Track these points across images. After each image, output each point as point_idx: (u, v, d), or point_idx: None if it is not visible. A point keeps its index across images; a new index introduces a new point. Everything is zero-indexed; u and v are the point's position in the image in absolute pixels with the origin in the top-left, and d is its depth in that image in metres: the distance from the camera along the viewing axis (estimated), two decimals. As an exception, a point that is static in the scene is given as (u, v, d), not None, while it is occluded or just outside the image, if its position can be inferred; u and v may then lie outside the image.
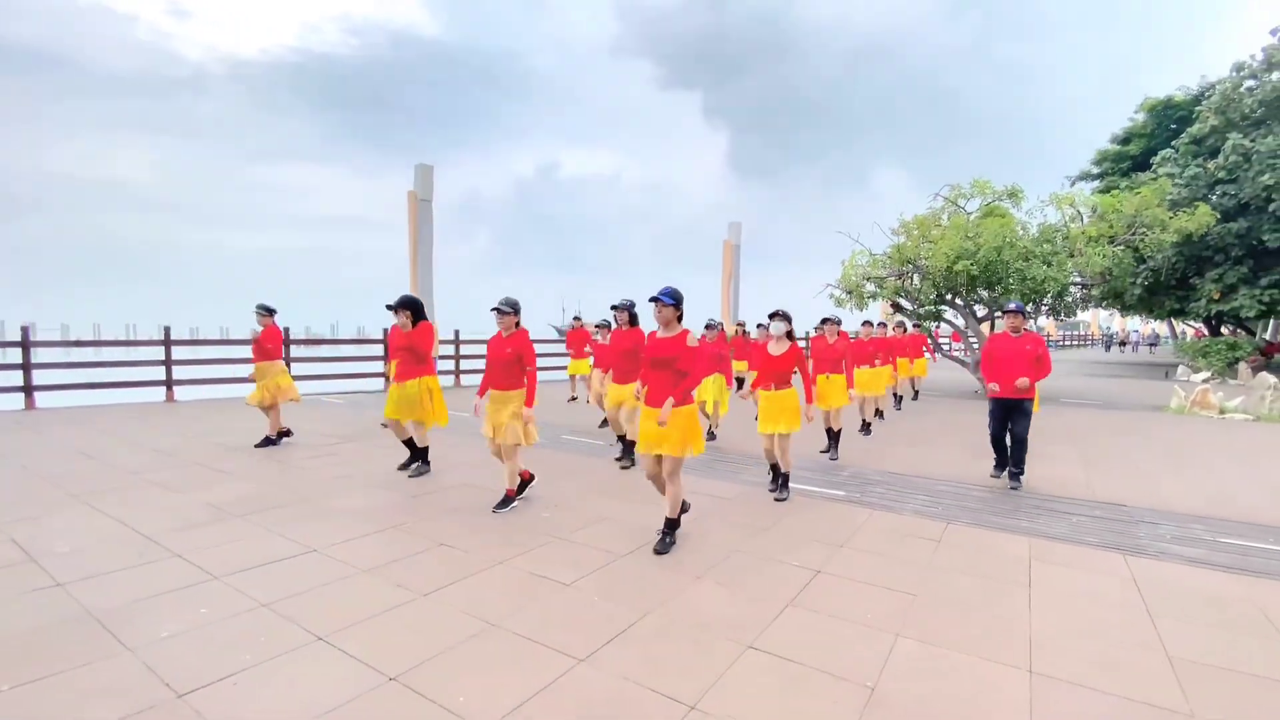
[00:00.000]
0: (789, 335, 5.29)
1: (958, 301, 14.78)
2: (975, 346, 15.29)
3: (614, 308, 6.11)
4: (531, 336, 5.12)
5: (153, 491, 5.16)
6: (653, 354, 4.03)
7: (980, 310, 15.24)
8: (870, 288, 15.25)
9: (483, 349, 14.74)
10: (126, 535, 4.11)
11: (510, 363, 4.78)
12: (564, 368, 12.34)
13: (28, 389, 9.57)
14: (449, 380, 13.78)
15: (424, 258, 12.82)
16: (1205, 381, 16.19)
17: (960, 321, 15.52)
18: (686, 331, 4.05)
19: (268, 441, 6.93)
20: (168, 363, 10.70)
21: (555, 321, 59.71)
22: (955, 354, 17.61)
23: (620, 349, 6.06)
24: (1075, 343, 50.31)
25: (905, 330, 13.11)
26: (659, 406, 3.91)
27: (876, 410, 9.69)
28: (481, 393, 4.87)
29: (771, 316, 5.32)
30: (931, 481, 6.08)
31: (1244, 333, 24.06)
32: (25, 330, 9.64)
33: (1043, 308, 14.55)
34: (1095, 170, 25.33)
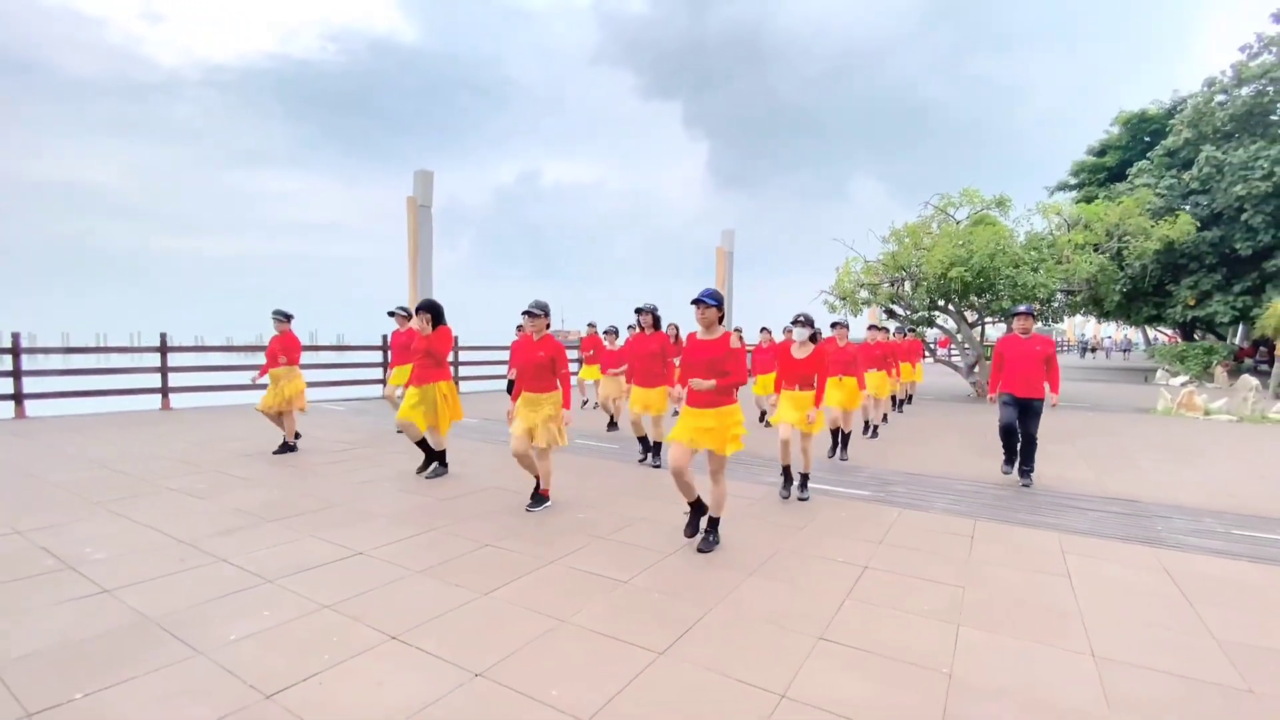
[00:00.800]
0: (812, 339, 5.42)
1: (950, 307, 15.09)
2: (968, 351, 15.61)
3: (638, 310, 6.16)
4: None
5: (175, 497, 5.06)
6: (695, 356, 4.04)
7: (971, 316, 15.58)
8: (864, 294, 15.51)
9: (474, 354, 14.54)
10: (162, 541, 4.04)
11: (543, 365, 4.79)
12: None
13: (18, 397, 9.30)
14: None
15: (424, 262, 12.76)
16: (1184, 385, 16.71)
17: (952, 326, 15.85)
18: (729, 334, 4.10)
19: (286, 448, 6.84)
20: (164, 369, 10.48)
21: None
22: (945, 359, 17.94)
23: (645, 351, 6.11)
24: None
25: (905, 336, 13.35)
26: (700, 407, 3.95)
27: (883, 415, 9.84)
28: (516, 396, 4.89)
29: (795, 322, 5.41)
30: (950, 481, 6.20)
31: (1213, 338, 24.85)
32: (15, 337, 9.39)
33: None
34: (1073, 181, 26.06)
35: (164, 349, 10.49)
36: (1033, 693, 2.49)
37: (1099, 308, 21.76)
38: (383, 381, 12.56)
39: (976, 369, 15.27)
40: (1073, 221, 15.09)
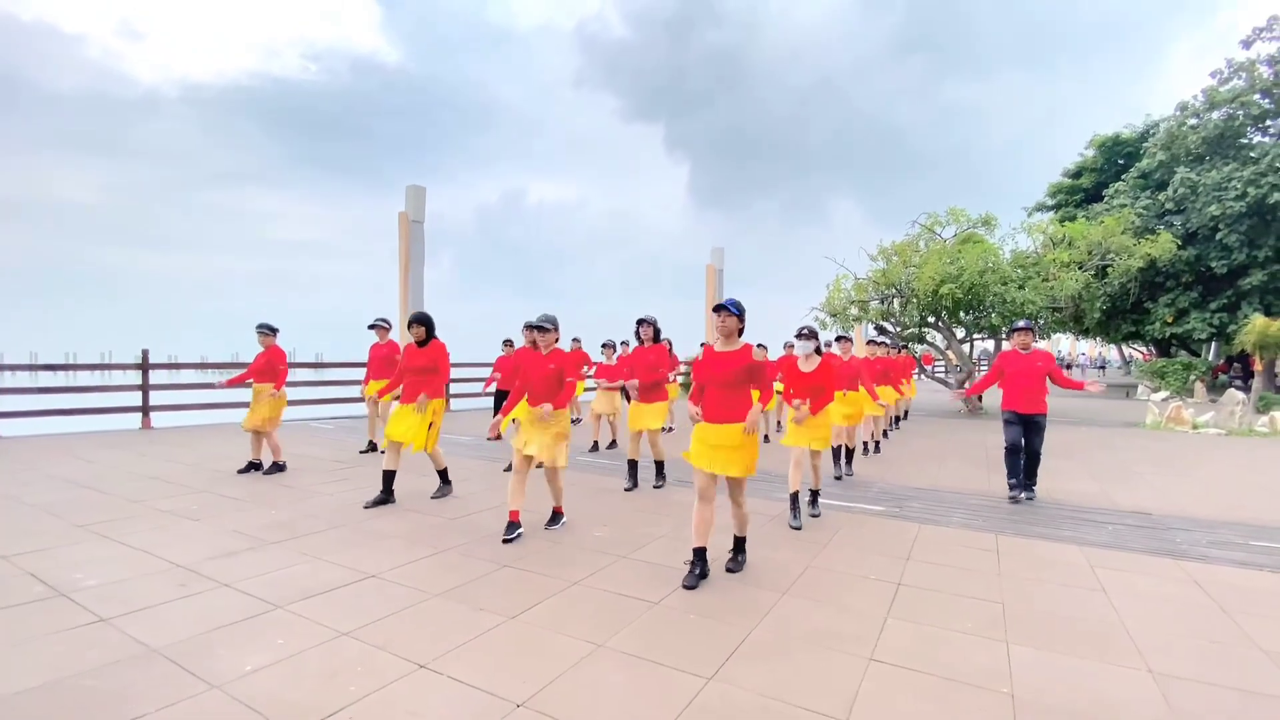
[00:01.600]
0: (818, 351, 5.30)
1: (940, 324, 15.24)
2: (957, 367, 15.75)
3: (639, 322, 6.05)
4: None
5: (167, 519, 4.81)
6: (715, 369, 3.82)
7: (959, 332, 15.75)
8: (855, 311, 15.61)
9: (466, 371, 14.28)
10: (158, 565, 3.80)
11: (552, 380, 4.64)
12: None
13: (-10, 416, 8.90)
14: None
15: (415, 278, 12.57)
16: (1165, 400, 17.00)
17: (942, 342, 15.99)
18: (750, 346, 3.96)
19: (275, 468, 6.58)
20: (145, 388, 10.12)
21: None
22: (939, 375, 18.09)
23: (645, 364, 5.99)
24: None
25: (898, 352, 13.42)
26: (718, 422, 3.73)
27: (884, 430, 9.82)
28: (506, 411, 4.72)
29: (798, 335, 5.29)
30: (961, 495, 6.15)
31: (1186, 353, 25.42)
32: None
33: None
34: (1050, 202, 26.68)
35: (145, 366, 10.14)
36: (1100, 712, 2.39)
37: (1079, 325, 22.18)
38: (361, 398, 12.24)
39: (967, 384, 15.39)
40: (1057, 240, 15.39)
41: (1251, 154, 19.36)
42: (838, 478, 6.94)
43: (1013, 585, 3.74)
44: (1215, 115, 19.75)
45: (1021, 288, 13.77)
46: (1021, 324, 6.22)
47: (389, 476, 5.43)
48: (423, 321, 5.51)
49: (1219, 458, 8.77)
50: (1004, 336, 14.31)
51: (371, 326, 8.02)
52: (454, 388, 13.88)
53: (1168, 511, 5.60)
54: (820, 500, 5.48)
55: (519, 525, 4.49)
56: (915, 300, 14.30)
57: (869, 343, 9.59)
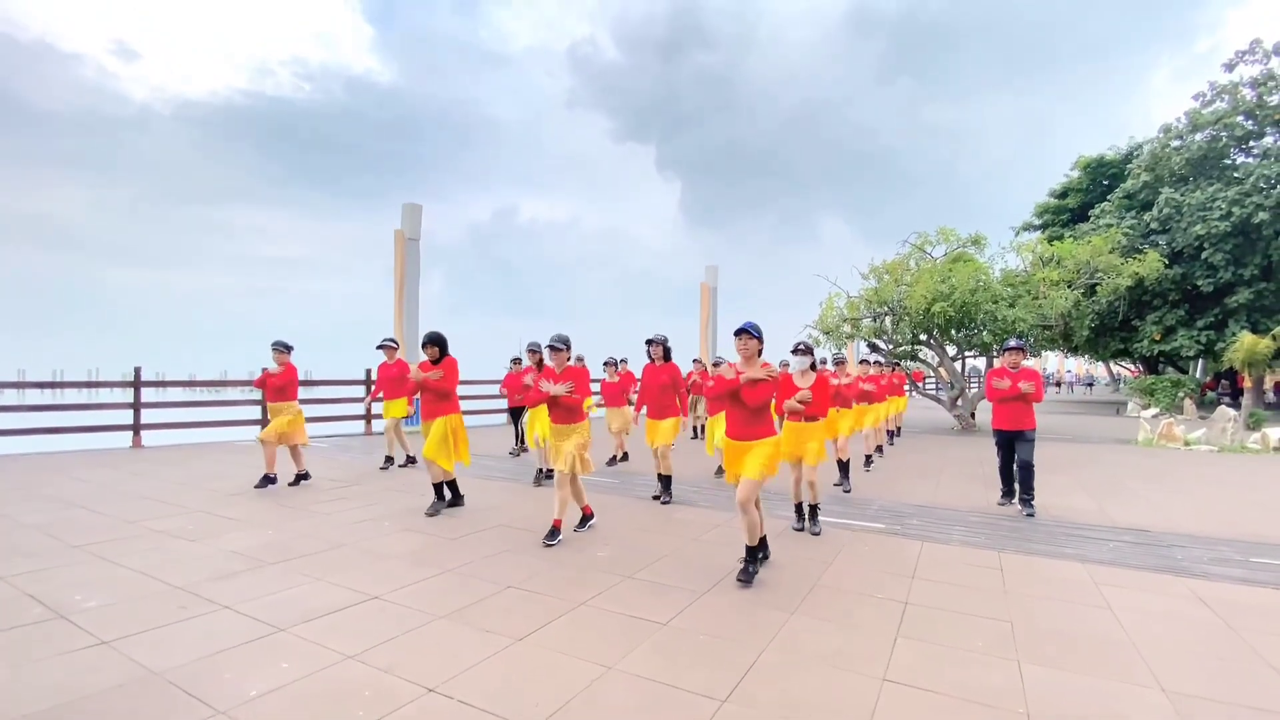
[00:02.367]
0: (812, 367, 5.34)
1: (932, 341, 15.36)
2: (950, 384, 15.84)
3: (649, 342, 6.08)
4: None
5: (163, 540, 4.74)
6: (735, 387, 3.96)
7: (951, 350, 15.86)
8: (847, 329, 15.71)
9: (471, 389, 14.24)
10: (157, 587, 3.74)
11: (571, 400, 4.80)
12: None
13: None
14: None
15: (410, 295, 12.56)
16: (1155, 417, 17.15)
17: (934, 359, 16.11)
18: (768, 365, 4.04)
19: (299, 478, 6.81)
20: (136, 406, 10.00)
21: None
22: (930, 391, 18.18)
23: (657, 383, 6.00)
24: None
25: (893, 369, 13.50)
26: (741, 440, 3.96)
27: (878, 446, 9.85)
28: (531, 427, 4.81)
29: (794, 351, 5.32)
30: (960, 512, 6.16)
31: (1174, 370, 25.72)
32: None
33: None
34: (1037, 222, 27.07)
35: (137, 384, 10.04)
36: (1116, 733, 2.39)
37: (1069, 342, 22.42)
38: (364, 417, 12.20)
39: (960, 401, 15.47)
40: (1046, 259, 15.60)
41: (1235, 174, 19.78)
42: (836, 484, 7.10)
43: (1019, 603, 3.74)
44: (1199, 137, 20.20)
45: (1012, 306, 13.92)
46: (1013, 343, 6.30)
47: (440, 487, 5.73)
48: (436, 341, 5.65)
49: (1213, 474, 8.83)
50: (995, 354, 14.44)
51: (380, 347, 8.11)
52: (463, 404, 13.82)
53: (1166, 528, 5.63)
54: (820, 518, 5.45)
55: (559, 532, 4.77)
56: (908, 318, 14.41)
57: (861, 361, 9.66)
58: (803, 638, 3.17)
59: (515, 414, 9.85)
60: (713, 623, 3.34)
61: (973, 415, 15.05)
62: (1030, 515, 5.95)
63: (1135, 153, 23.73)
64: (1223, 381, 23.83)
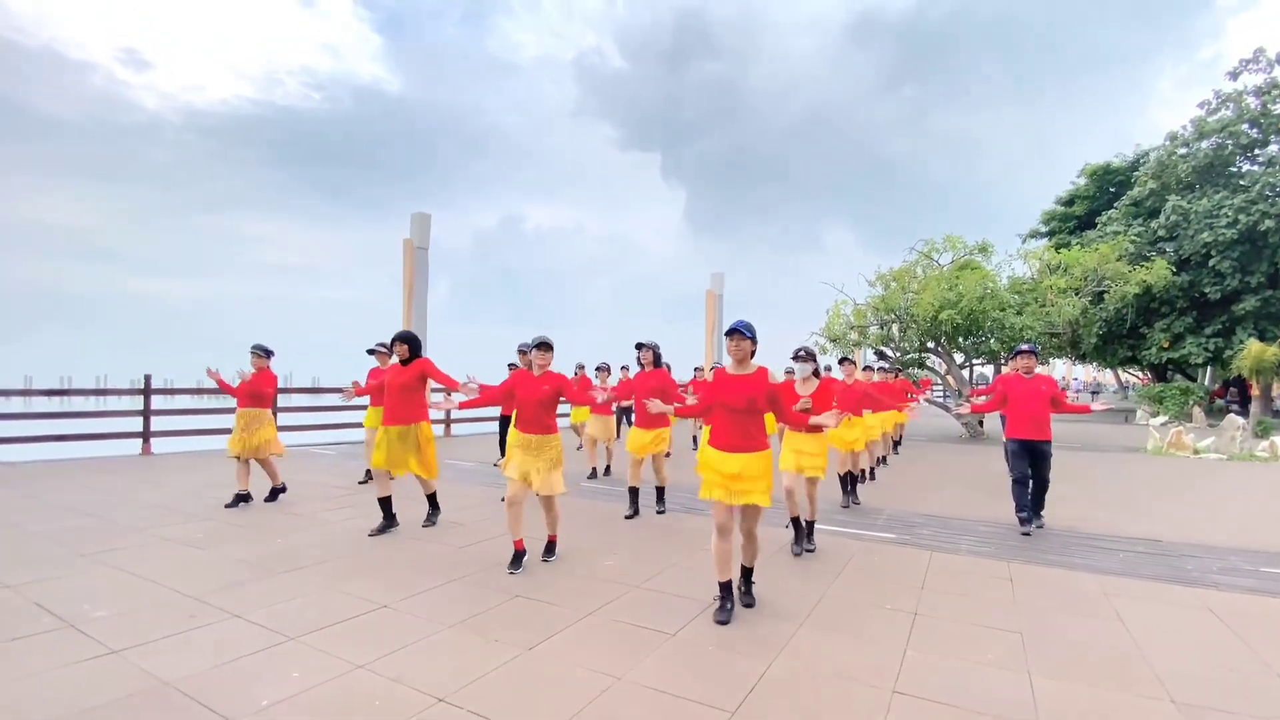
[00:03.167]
0: (815, 374, 5.23)
1: (939, 349, 15.32)
2: (958, 391, 15.78)
3: (638, 346, 6.05)
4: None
5: (171, 548, 4.77)
6: (732, 392, 3.71)
7: (959, 357, 15.82)
8: (854, 336, 15.69)
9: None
10: (166, 595, 3.76)
11: (547, 402, 4.47)
12: (565, 415, 12.10)
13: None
14: (439, 429, 13.37)
15: (419, 304, 12.63)
16: (1165, 424, 17.03)
17: (942, 367, 16.06)
18: (765, 369, 3.90)
19: (274, 493, 6.53)
20: (146, 413, 10.06)
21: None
22: (936, 399, 18.11)
23: (646, 389, 5.96)
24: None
25: (896, 376, 13.46)
26: (730, 450, 3.61)
27: (881, 457, 9.77)
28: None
29: (795, 358, 5.12)
30: (970, 522, 6.13)
31: (1182, 378, 25.56)
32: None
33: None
34: (1044, 229, 27.01)
35: (147, 391, 10.10)
36: (1129, 747, 2.37)
37: (1076, 349, 22.33)
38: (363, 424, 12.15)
39: (968, 401, 15.39)
40: (1053, 266, 15.57)
41: (1241, 182, 19.73)
42: (844, 506, 6.82)
43: (1030, 614, 3.71)
44: (1204, 145, 20.16)
45: (1019, 313, 13.90)
46: (1025, 347, 6.05)
47: (383, 502, 5.38)
48: (406, 340, 5.38)
49: (1222, 483, 8.77)
50: (1003, 361, 14.38)
51: (371, 351, 7.73)
52: (456, 412, 13.85)
53: (1176, 538, 5.58)
54: (819, 530, 5.35)
55: (524, 553, 4.43)
56: (915, 326, 14.39)
57: (866, 369, 9.62)
58: (811, 649, 3.16)
59: (505, 423, 9.61)
60: (721, 634, 3.33)
61: (980, 423, 14.98)
62: (1040, 527, 5.91)
63: (1141, 160, 23.69)
64: (1231, 389, 23.65)
